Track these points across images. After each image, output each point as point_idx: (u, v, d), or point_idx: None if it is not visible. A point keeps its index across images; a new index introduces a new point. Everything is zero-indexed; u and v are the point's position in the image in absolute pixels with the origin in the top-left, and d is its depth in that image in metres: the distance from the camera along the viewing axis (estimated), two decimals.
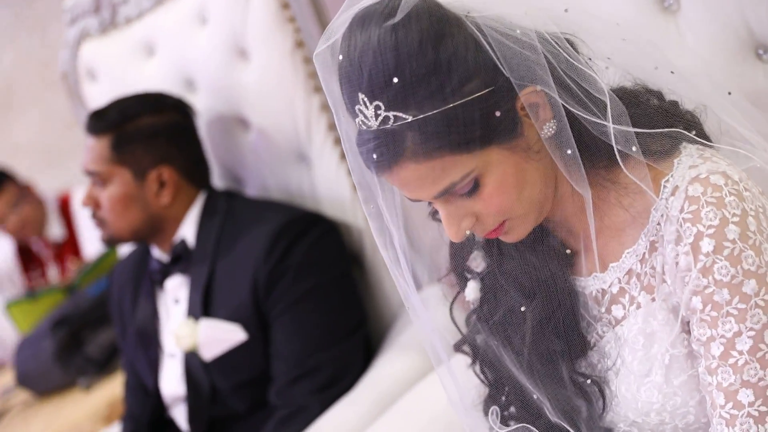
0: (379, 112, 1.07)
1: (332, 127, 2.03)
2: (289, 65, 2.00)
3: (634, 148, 1.11)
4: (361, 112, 1.08)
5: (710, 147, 1.16)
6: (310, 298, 1.96)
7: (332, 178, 2.06)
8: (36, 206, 3.89)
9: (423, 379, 1.79)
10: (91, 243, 3.89)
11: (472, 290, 1.27)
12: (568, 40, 1.13)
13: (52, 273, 4.02)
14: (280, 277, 1.94)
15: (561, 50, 1.11)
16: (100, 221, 2.02)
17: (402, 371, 1.87)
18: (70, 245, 3.98)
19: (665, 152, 1.14)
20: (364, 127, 1.09)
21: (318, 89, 2.01)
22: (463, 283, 1.29)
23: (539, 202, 1.15)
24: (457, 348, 1.32)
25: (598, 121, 1.10)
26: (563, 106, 1.10)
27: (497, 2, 1.11)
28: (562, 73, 1.10)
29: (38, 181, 4.35)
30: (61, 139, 4.79)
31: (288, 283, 1.94)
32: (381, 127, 1.07)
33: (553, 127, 1.10)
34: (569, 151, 1.11)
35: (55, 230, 3.95)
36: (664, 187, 1.13)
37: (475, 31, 1.08)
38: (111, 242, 2.04)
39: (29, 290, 3.57)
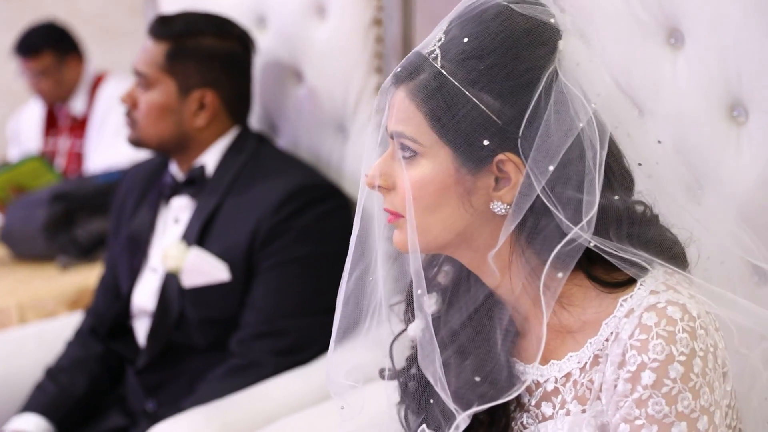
0: (435, 45, 1.14)
1: (380, 111, 2.03)
2: (361, 39, 2.01)
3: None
4: (434, 37, 1.16)
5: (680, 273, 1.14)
6: (302, 264, 1.98)
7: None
8: (61, 80, 3.87)
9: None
10: (95, 128, 3.90)
11: (416, 328, 1.23)
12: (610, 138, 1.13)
13: (63, 144, 4.04)
14: (281, 235, 1.95)
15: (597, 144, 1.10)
16: (132, 121, 2.04)
17: (360, 366, 1.88)
18: (82, 124, 4.01)
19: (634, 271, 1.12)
20: (418, 48, 1.17)
21: (379, 70, 2.02)
22: (411, 319, 1.27)
23: (434, 236, 1.15)
24: (382, 376, 1.31)
25: (581, 234, 1.09)
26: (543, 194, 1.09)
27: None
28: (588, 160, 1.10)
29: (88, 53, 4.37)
30: (123, 22, 4.80)
31: (286, 243, 1.96)
32: (423, 52, 1.14)
33: (503, 211, 1.12)
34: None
35: (80, 105, 3.96)
36: (621, 305, 1.11)
37: (549, 78, 1.11)
38: (136, 144, 2.06)
39: None
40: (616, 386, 1.09)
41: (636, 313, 1.09)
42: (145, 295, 2.08)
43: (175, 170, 2.11)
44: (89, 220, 3.04)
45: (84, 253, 3.00)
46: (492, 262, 1.14)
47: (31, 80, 3.89)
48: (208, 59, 2.01)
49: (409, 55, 1.16)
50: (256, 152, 2.06)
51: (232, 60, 2.04)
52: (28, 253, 3.07)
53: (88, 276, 2.79)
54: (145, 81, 2.01)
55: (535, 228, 1.12)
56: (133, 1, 4.89)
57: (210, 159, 2.06)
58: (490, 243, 1.14)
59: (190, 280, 1.99)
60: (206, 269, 1.98)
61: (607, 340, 1.11)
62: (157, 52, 2.00)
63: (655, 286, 1.11)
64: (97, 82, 4.00)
